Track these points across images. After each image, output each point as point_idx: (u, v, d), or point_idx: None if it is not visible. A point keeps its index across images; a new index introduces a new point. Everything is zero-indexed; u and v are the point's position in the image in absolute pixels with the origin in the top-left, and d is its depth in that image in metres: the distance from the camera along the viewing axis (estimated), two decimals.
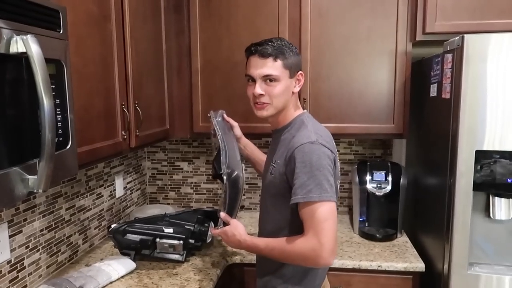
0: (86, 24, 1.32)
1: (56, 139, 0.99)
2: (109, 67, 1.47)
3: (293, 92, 1.35)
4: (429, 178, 1.89)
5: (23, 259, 1.48)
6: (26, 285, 1.49)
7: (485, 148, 1.51)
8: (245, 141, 1.69)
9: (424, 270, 1.73)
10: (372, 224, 2.08)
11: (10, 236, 1.41)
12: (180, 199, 2.57)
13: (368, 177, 2.02)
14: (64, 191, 1.71)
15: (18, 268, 1.46)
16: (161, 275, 1.63)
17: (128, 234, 1.68)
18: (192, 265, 1.72)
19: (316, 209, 1.18)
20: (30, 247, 1.51)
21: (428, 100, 1.84)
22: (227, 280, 1.82)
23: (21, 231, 1.47)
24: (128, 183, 2.29)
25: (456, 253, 1.58)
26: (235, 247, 1.44)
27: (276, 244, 1.28)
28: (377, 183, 2.01)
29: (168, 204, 2.52)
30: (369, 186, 2.01)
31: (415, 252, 1.86)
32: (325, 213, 1.18)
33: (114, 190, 2.13)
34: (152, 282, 1.57)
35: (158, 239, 1.69)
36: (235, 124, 1.64)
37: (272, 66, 1.29)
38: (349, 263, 1.75)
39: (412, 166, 2.17)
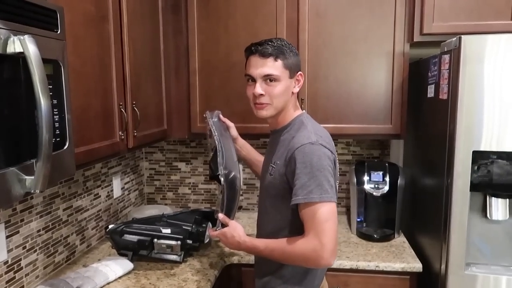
0: (84, 24, 1.31)
1: (54, 139, 0.99)
2: (106, 67, 1.47)
3: (292, 92, 1.35)
4: (427, 179, 1.90)
5: (20, 259, 1.48)
6: (23, 286, 1.49)
7: (482, 148, 1.51)
8: (242, 142, 1.68)
9: (421, 270, 1.74)
10: (370, 225, 2.08)
11: (7, 237, 1.41)
12: (178, 199, 2.56)
13: (365, 178, 2.03)
14: (61, 191, 1.70)
15: (15, 269, 1.45)
16: (159, 276, 1.63)
17: (125, 235, 1.67)
18: (189, 266, 1.72)
19: (317, 209, 1.18)
20: (27, 248, 1.51)
21: (426, 101, 1.84)
22: (225, 280, 1.82)
23: (18, 232, 1.46)
24: (125, 183, 2.29)
25: (453, 253, 1.58)
26: (234, 249, 1.43)
27: (276, 245, 1.28)
28: (375, 183, 2.01)
29: (165, 204, 2.52)
30: (367, 186, 2.01)
31: (413, 252, 1.86)
32: (326, 214, 1.18)
33: (112, 190, 2.12)
34: (150, 283, 1.57)
35: (155, 240, 1.69)
36: (231, 124, 1.64)
37: (273, 66, 1.29)
38: (346, 264, 1.76)
39: (410, 167, 2.18)
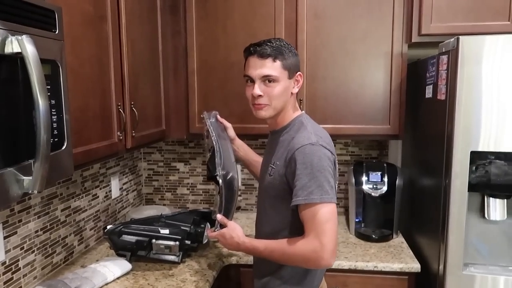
0: (82, 24, 1.31)
1: (52, 140, 0.99)
2: (105, 67, 1.47)
3: (292, 93, 1.35)
4: (425, 179, 1.90)
5: (18, 260, 1.47)
6: (21, 287, 1.48)
7: (480, 149, 1.52)
8: (239, 143, 1.68)
9: (419, 270, 1.74)
10: (368, 225, 2.08)
11: (4, 237, 1.40)
12: (176, 200, 2.56)
13: (364, 178, 2.03)
14: (59, 192, 1.70)
15: (13, 270, 1.45)
16: (157, 276, 1.63)
17: (124, 235, 1.67)
18: (188, 266, 1.72)
19: (317, 210, 1.18)
20: (25, 248, 1.51)
21: (424, 101, 1.85)
22: (224, 281, 1.82)
23: (16, 232, 1.46)
24: (124, 184, 2.28)
25: (451, 254, 1.58)
26: (233, 250, 1.43)
27: (276, 246, 1.28)
28: (373, 184, 2.01)
29: (164, 205, 2.51)
30: (365, 187, 2.01)
31: (411, 252, 1.86)
32: (326, 215, 1.18)
33: (110, 191, 2.12)
34: (148, 283, 1.57)
35: (154, 240, 1.68)
36: (228, 125, 1.63)
37: (271, 67, 1.28)
38: (345, 264, 1.76)
39: (408, 167, 2.18)
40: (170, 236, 1.69)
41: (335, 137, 1.36)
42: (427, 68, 1.77)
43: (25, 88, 0.90)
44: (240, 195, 2.48)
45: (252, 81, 1.32)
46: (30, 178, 0.94)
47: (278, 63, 1.29)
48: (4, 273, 1.40)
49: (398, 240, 2.02)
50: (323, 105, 1.99)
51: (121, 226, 1.68)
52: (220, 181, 1.43)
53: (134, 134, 1.65)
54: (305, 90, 1.98)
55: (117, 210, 2.20)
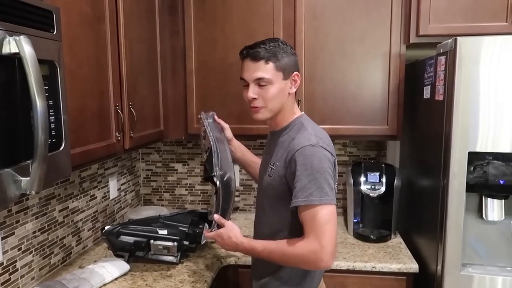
0: (80, 25, 1.31)
1: (49, 140, 0.99)
2: (103, 68, 1.46)
3: (289, 93, 1.34)
4: (423, 180, 1.90)
5: (16, 261, 1.47)
6: None
7: (478, 149, 1.52)
8: (236, 143, 1.68)
9: (417, 271, 1.74)
10: (366, 225, 2.08)
11: (2, 238, 1.40)
12: (175, 200, 2.56)
13: (362, 179, 2.03)
14: (57, 192, 1.69)
15: (11, 271, 1.44)
16: (155, 277, 1.62)
17: (122, 236, 1.67)
18: (186, 267, 1.72)
19: (317, 212, 1.18)
20: (22, 249, 1.50)
21: (422, 102, 1.85)
22: (222, 282, 1.82)
23: (13, 233, 1.45)
24: (122, 184, 2.28)
25: (449, 254, 1.59)
26: (231, 250, 1.42)
27: (275, 246, 1.27)
28: (371, 184, 2.01)
29: (162, 205, 2.51)
30: (363, 187, 2.02)
31: (409, 253, 1.87)
32: (326, 216, 1.19)
33: (108, 191, 2.12)
34: (146, 284, 1.56)
35: (152, 241, 1.68)
36: (226, 126, 1.63)
37: (264, 69, 1.28)
38: (343, 264, 1.76)
39: (406, 168, 2.18)
40: (168, 236, 1.69)
41: (333, 137, 1.36)
42: (425, 69, 1.78)
43: (23, 88, 0.90)
44: (238, 196, 2.48)
45: (248, 84, 1.32)
46: (28, 179, 0.94)
47: (270, 65, 1.28)
48: (1, 274, 1.40)
49: (396, 240, 2.02)
50: (321, 105, 1.99)
51: (119, 227, 1.68)
52: (217, 181, 1.43)
53: (132, 134, 1.64)
54: (303, 91, 1.98)
55: (115, 210, 2.20)
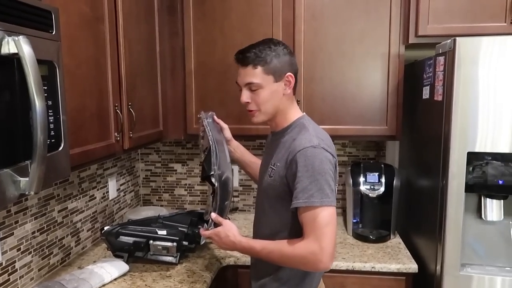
0: (79, 25, 1.31)
1: (48, 140, 0.99)
2: (102, 68, 1.46)
3: (283, 95, 1.33)
4: (422, 180, 1.90)
5: (15, 261, 1.47)
6: None
7: (477, 149, 1.52)
8: (235, 144, 1.67)
9: (417, 271, 1.74)
10: (366, 226, 2.08)
11: (1, 239, 1.40)
12: (174, 201, 2.56)
13: (361, 179, 2.03)
14: (56, 193, 1.69)
15: (10, 271, 1.44)
16: (155, 277, 1.62)
17: (121, 236, 1.67)
18: (185, 267, 1.72)
19: (317, 214, 1.19)
20: (21, 250, 1.50)
21: (421, 102, 1.85)
22: (221, 282, 1.82)
23: (12, 234, 1.45)
24: (121, 185, 2.28)
25: (449, 254, 1.59)
26: (228, 249, 1.41)
27: (274, 246, 1.27)
28: (371, 184, 2.02)
29: (161, 206, 2.51)
30: (363, 187, 2.02)
31: (408, 253, 1.87)
32: (326, 218, 1.19)
33: (107, 192, 2.11)
34: (146, 285, 1.56)
35: (151, 241, 1.68)
36: (225, 126, 1.63)
37: (253, 74, 1.29)
38: (342, 265, 1.76)
39: (405, 168, 2.18)
40: (168, 237, 1.69)
41: (332, 138, 1.36)
42: (424, 69, 1.78)
43: (22, 89, 0.90)
44: (237, 196, 2.48)
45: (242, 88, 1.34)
46: (27, 179, 0.94)
47: (259, 69, 1.28)
48: (0, 275, 1.40)
49: (396, 240, 2.02)
50: (321, 106, 1.99)
51: (119, 227, 1.68)
52: (215, 180, 1.42)
53: (131, 135, 1.64)
54: (303, 91, 1.99)
55: (114, 211, 2.20)
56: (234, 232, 1.36)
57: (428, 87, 1.75)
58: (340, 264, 1.76)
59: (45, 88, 0.99)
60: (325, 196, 1.19)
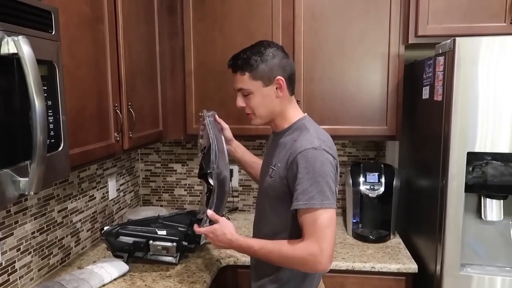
0: (79, 25, 1.31)
1: (48, 141, 0.99)
2: (101, 68, 1.46)
3: (277, 97, 1.32)
4: (422, 180, 1.90)
5: (14, 262, 1.47)
6: None
7: (476, 150, 1.52)
8: (236, 143, 1.68)
9: (417, 271, 1.74)
10: (366, 226, 2.08)
11: (1, 239, 1.40)
12: (174, 201, 2.56)
13: (361, 179, 2.03)
14: (56, 193, 1.69)
15: (9, 271, 1.44)
16: (154, 278, 1.62)
17: (121, 236, 1.67)
18: (185, 267, 1.72)
19: (317, 216, 1.18)
20: (21, 250, 1.50)
21: (421, 103, 1.85)
22: (221, 282, 1.82)
23: (12, 234, 1.45)
24: (121, 185, 2.28)
25: (448, 254, 1.59)
26: (224, 247, 1.39)
27: (273, 246, 1.27)
28: (370, 184, 2.02)
29: (161, 206, 2.51)
30: (363, 187, 2.02)
31: (408, 253, 1.87)
32: (326, 220, 1.19)
33: (107, 192, 2.11)
34: (145, 285, 1.56)
35: (151, 241, 1.68)
36: (226, 126, 1.63)
37: (241, 80, 1.31)
38: (342, 265, 1.76)
39: (405, 168, 2.18)
40: (168, 237, 1.69)
41: (332, 138, 1.36)
42: (424, 69, 1.78)
43: (22, 89, 0.90)
44: (237, 196, 2.48)
45: None
46: (27, 179, 0.94)
47: (246, 75, 1.30)
48: (0, 275, 1.40)
49: (395, 240, 2.02)
50: (320, 106, 1.99)
51: (118, 227, 1.68)
52: (213, 178, 1.41)
53: (131, 135, 1.64)
54: (303, 91, 1.99)
55: (114, 211, 2.20)
56: (230, 230, 1.35)
57: (428, 87, 1.75)
58: (340, 264, 1.76)
59: (45, 88, 0.99)
60: (326, 198, 1.19)
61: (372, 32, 1.93)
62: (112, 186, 2.15)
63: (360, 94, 1.97)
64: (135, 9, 1.69)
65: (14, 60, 0.89)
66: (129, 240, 1.66)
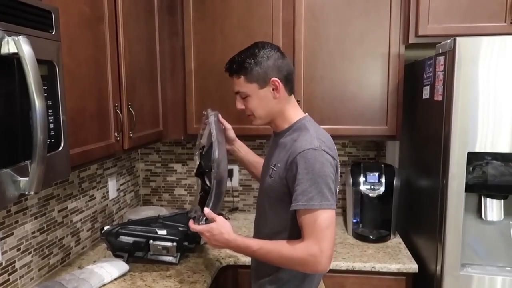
0: (79, 25, 1.31)
1: (48, 140, 0.99)
2: (102, 68, 1.46)
3: (275, 98, 1.31)
4: (422, 180, 1.90)
5: (15, 261, 1.47)
6: None
7: (477, 149, 1.52)
8: (240, 143, 1.68)
9: (417, 271, 1.74)
10: (366, 226, 2.08)
11: (1, 239, 1.40)
12: (174, 201, 2.56)
13: (361, 179, 2.03)
14: (56, 193, 1.69)
15: (10, 271, 1.44)
16: (155, 277, 1.62)
17: (121, 236, 1.67)
18: (185, 267, 1.72)
19: (317, 216, 1.18)
20: (21, 250, 1.50)
21: (421, 102, 1.85)
22: (221, 282, 1.82)
23: (12, 234, 1.45)
24: (121, 184, 2.28)
25: (449, 254, 1.59)
26: (219, 247, 1.37)
27: (272, 247, 1.26)
28: (371, 184, 2.02)
29: (161, 206, 2.51)
30: (363, 187, 2.02)
31: (408, 253, 1.87)
32: (326, 221, 1.19)
33: (107, 192, 2.11)
34: (146, 285, 1.56)
35: (151, 241, 1.68)
36: (229, 126, 1.63)
37: (238, 84, 1.33)
38: (342, 265, 1.76)
39: (405, 168, 2.18)
40: (168, 237, 1.69)
41: (332, 137, 1.36)
42: (424, 69, 1.78)
43: (22, 88, 0.90)
44: (237, 196, 2.48)
45: None
46: (27, 179, 0.94)
47: (241, 78, 1.31)
48: (0, 275, 1.40)
49: (396, 240, 2.02)
50: (321, 105, 1.99)
51: (119, 227, 1.68)
52: (212, 177, 1.40)
53: (131, 135, 1.64)
54: (303, 91, 1.99)
55: (114, 211, 2.20)
56: (228, 229, 1.33)
57: (428, 87, 1.75)
58: (340, 264, 1.76)
59: (45, 88, 0.99)
60: (325, 199, 1.19)
61: (372, 32, 1.93)
62: (112, 186, 2.15)
63: (361, 93, 1.97)
64: (135, 9, 1.69)
65: (14, 60, 0.89)
66: (129, 240, 1.66)
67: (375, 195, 2.00)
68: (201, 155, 1.51)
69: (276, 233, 1.33)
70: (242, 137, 1.72)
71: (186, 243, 1.72)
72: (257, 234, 1.45)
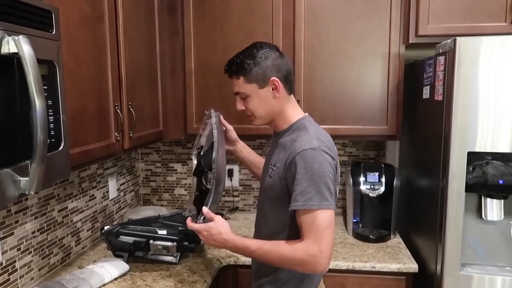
0: (79, 24, 1.31)
1: (48, 140, 0.99)
2: (102, 68, 1.46)
3: (275, 98, 1.32)
4: (422, 180, 1.90)
5: (15, 261, 1.47)
6: None
7: (477, 149, 1.52)
8: (241, 144, 1.68)
9: (417, 271, 1.74)
10: (366, 225, 2.08)
11: (1, 239, 1.40)
12: (174, 200, 2.56)
13: (361, 179, 2.03)
14: (56, 192, 1.69)
15: (10, 271, 1.44)
16: (155, 277, 1.62)
17: (121, 236, 1.67)
18: (185, 267, 1.72)
19: (316, 216, 1.18)
20: (21, 250, 1.50)
21: (421, 102, 1.85)
22: (221, 282, 1.82)
23: (12, 233, 1.45)
24: (121, 184, 2.28)
25: (449, 254, 1.59)
26: (217, 247, 1.37)
27: (271, 247, 1.26)
28: (371, 184, 2.02)
29: (161, 205, 2.51)
30: (363, 187, 2.02)
31: (408, 253, 1.87)
32: (325, 221, 1.19)
33: (107, 191, 2.11)
34: (146, 284, 1.56)
35: (151, 241, 1.68)
36: (230, 127, 1.63)
37: (237, 84, 1.33)
38: (343, 264, 1.76)
39: (405, 168, 2.18)
40: (168, 236, 1.69)
41: (332, 137, 1.36)
42: (424, 69, 1.78)
43: (22, 88, 0.90)
44: (237, 196, 2.48)
45: None
46: (27, 179, 0.94)
47: (241, 79, 1.31)
48: (1, 274, 1.40)
49: (396, 240, 2.02)
50: (321, 105, 1.99)
51: (119, 227, 1.68)
52: (213, 177, 1.41)
53: (131, 134, 1.64)
54: (303, 90, 1.99)
55: (114, 211, 2.20)
56: (226, 229, 1.33)
57: (428, 87, 1.75)
58: (340, 264, 1.76)
59: (45, 87, 0.99)
60: (324, 199, 1.19)
61: (372, 32, 1.93)
62: (112, 185, 2.15)
63: (361, 93, 1.97)
64: (135, 9, 1.69)
65: (14, 60, 0.89)
66: (130, 239, 1.66)
67: (375, 195, 2.00)
68: (200, 155, 1.51)
69: (276, 233, 1.33)
70: (242, 137, 1.72)
71: (186, 243, 1.73)
72: (258, 234, 1.45)
